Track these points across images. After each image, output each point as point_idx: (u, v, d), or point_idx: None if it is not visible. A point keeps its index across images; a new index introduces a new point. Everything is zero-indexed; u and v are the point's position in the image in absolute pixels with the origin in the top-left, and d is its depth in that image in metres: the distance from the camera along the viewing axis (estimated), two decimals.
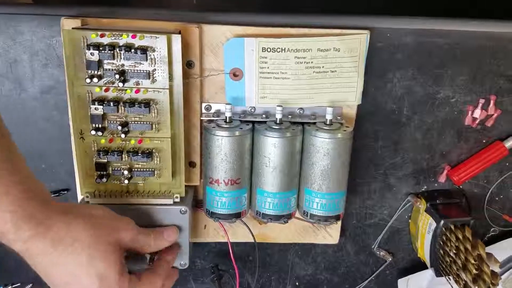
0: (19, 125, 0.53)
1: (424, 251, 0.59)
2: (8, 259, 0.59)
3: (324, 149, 0.50)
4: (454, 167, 0.58)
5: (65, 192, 0.57)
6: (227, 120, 0.51)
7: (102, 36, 0.43)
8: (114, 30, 0.43)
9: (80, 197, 0.51)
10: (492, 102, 0.56)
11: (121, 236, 0.43)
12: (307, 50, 0.49)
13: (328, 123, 0.51)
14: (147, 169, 0.48)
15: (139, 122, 0.46)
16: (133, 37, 0.43)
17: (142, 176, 0.49)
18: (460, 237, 0.53)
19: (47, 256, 0.38)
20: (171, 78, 0.45)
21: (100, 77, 0.44)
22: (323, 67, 0.50)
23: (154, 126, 0.47)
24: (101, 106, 0.45)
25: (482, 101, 0.56)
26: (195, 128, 0.52)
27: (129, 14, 0.48)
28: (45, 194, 0.40)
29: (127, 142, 0.47)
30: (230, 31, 0.49)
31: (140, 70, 0.44)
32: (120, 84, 0.44)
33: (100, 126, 0.46)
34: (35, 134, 0.54)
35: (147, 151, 0.47)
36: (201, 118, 0.52)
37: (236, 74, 0.51)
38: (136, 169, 0.48)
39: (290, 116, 0.52)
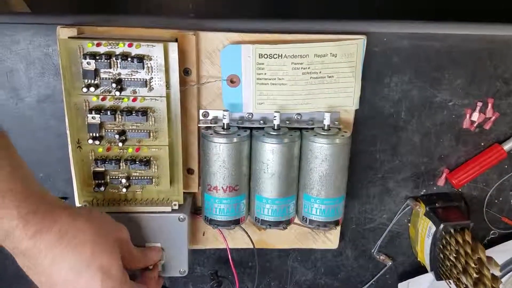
0: (16, 134, 0.53)
1: (424, 255, 0.59)
2: (7, 266, 0.59)
3: (322, 154, 0.50)
4: (452, 171, 0.58)
5: (64, 200, 0.56)
6: (225, 127, 0.50)
7: (98, 45, 0.43)
8: (111, 39, 0.43)
9: (78, 205, 0.51)
10: (490, 105, 0.56)
11: (121, 236, 0.43)
12: (304, 56, 0.49)
13: (326, 128, 0.51)
14: (145, 177, 0.48)
15: (136, 131, 0.46)
16: (130, 45, 0.43)
17: (140, 184, 0.49)
18: (460, 240, 0.53)
19: (52, 251, 0.37)
20: (168, 86, 0.45)
21: (97, 86, 0.44)
22: (320, 72, 0.50)
23: (151, 134, 0.47)
24: (98, 115, 0.45)
25: (479, 104, 0.56)
26: (193, 135, 0.52)
27: (125, 22, 0.48)
28: (43, 189, 0.40)
29: (125, 151, 0.47)
30: (227, 37, 0.49)
31: (137, 79, 0.44)
32: (117, 93, 0.44)
33: (97, 135, 0.46)
34: (32, 143, 0.54)
35: (145, 159, 0.47)
36: (199, 125, 0.52)
37: (233, 81, 0.51)
38: (134, 177, 0.48)
39: (288, 122, 0.52)
